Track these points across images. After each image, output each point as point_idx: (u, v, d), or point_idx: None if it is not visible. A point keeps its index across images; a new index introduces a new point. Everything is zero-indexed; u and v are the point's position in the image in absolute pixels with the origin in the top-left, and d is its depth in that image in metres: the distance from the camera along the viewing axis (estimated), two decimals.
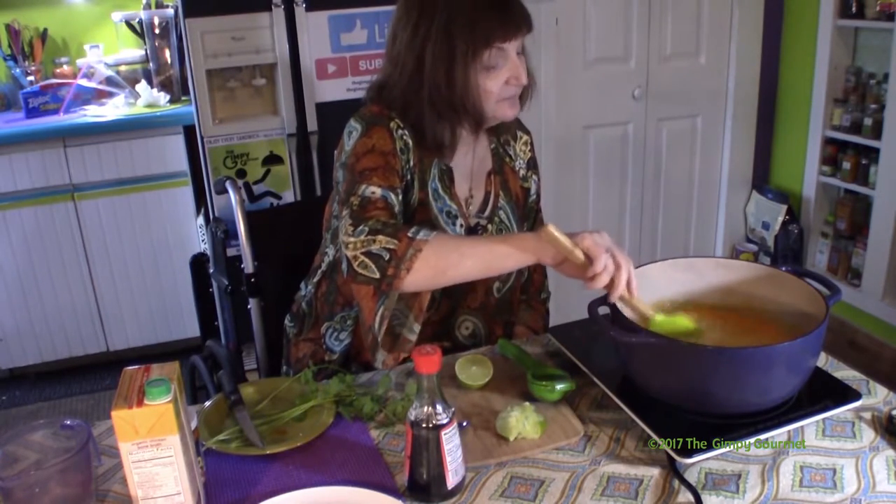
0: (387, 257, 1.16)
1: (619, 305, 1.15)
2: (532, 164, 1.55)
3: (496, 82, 1.30)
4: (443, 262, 1.17)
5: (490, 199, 1.45)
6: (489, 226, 1.44)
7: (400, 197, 1.29)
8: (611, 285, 1.12)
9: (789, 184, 3.24)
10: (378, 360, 1.30)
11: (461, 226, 1.40)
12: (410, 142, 1.33)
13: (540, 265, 1.60)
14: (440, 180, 1.38)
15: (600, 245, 1.12)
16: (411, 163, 1.33)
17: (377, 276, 1.17)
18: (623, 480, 1.01)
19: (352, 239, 1.19)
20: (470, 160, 1.43)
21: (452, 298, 1.41)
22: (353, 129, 1.32)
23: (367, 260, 1.18)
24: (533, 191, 1.55)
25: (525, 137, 1.54)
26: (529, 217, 1.56)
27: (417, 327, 1.28)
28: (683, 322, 1.17)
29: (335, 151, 1.38)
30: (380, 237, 1.17)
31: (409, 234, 1.17)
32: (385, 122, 1.31)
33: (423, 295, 1.26)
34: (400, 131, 1.32)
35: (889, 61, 2.67)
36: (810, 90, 3.03)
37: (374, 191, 1.24)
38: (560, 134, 3.01)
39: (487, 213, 1.44)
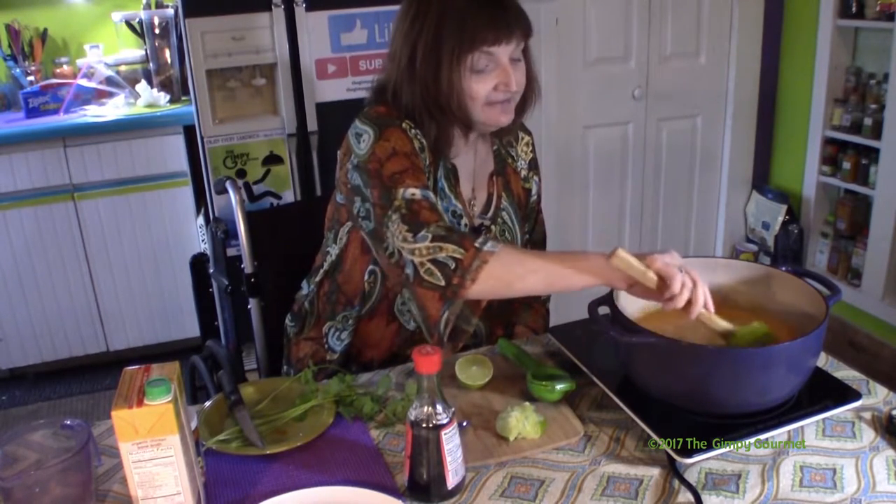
0: (453, 266, 1.16)
1: (622, 295, 1.14)
2: (533, 165, 1.55)
3: (483, 86, 1.28)
4: (508, 276, 1.16)
5: (493, 200, 1.45)
6: (493, 226, 1.44)
7: (434, 194, 1.28)
8: (689, 303, 1.09)
9: (789, 184, 3.24)
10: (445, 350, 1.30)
11: (465, 225, 1.39)
12: (424, 141, 1.32)
13: None
14: (446, 179, 1.38)
15: (672, 265, 1.09)
16: (427, 162, 1.33)
17: (443, 283, 1.17)
18: (623, 480, 1.01)
19: (417, 245, 1.19)
20: (472, 161, 1.43)
21: None
22: (364, 131, 1.30)
23: (432, 268, 1.18)
24: (534, 191, 1.55)
25: (526, 138, 1.54)
26: (530, 218, 1.56)
27: (475, 321, 1.28)
28: (762, 328, 1.14)
29: (339, 152, 1.37)
30: (447, 245, 1.17)
31: (477, 245, 1.16)
32: (396, 123, 1.30)
33: (482, 302, 1.26)
34: (413, 131, 1.31)
35: (889, 61, 2.67)
36: (810, 90, 3.03)
37: (414, 192, 1.23)
38: (560, 134, 3.01)
39: (490, 214, 1.44)
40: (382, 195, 1.25)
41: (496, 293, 1.21)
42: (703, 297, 1.09)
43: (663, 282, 1.08)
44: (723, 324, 1.13)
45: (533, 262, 1.18)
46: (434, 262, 1.18)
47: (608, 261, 1.09)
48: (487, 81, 1.28)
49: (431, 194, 1.26)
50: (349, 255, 1.40)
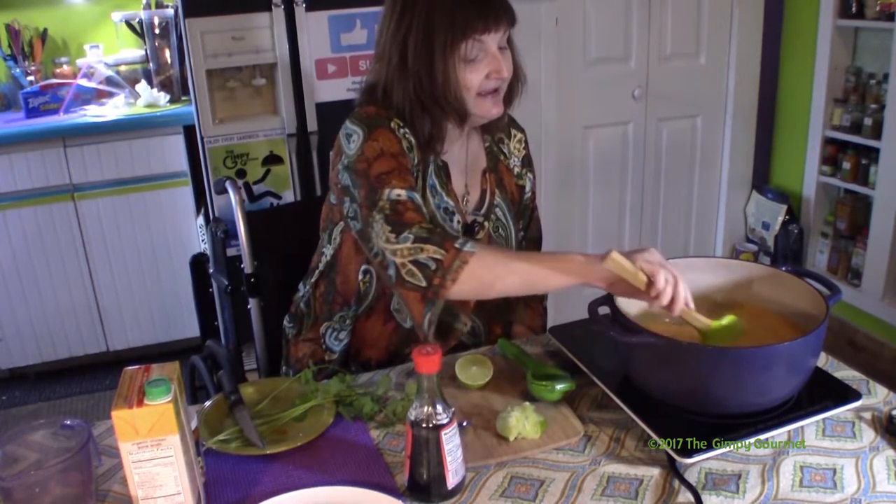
0: (433, 267, 1.17)
1: (622, 301, 1.15)
2: (527, 162, 1.55)
3: (476, 76, 1.29)
4: (489, 276, 1.17)
5: (486, 196, 1.45)
6: (486, 223, 1.44)
7: (420, 195, 1.29)
8: (672, 300, 1.10)
9: (789, 184, 3.24)
10: None
11: (458, 222, 1.40)
12: (413, 140, 1.33)
13: None
14: (437, 176, 1.38)
15: (655, 262, 1.10)
16: (416, 160, 1.33)
17: (424, 284, 1.18)
18: (623, 480, 1.01)
19: (398, 246, 1.19)
20: (464, 158, 1.43)
21: None
22: (353, 132, 1.31)
23: (414, 268, 1.18)
24: (528, 188, 1.55)
25: (519, 135, 1.54)
26: (524, 215, 1.56)
27: (467, 320, 1.29)
28: (734, 323, 1.15)
29: (331, 153, 1.38)
30: (427, 246, 1.18)
31: (457, 246, 1.17)
32: (385, 122, 1.31)
33: (469, 301, 1.27)
34: (402, 130, 1.32)
35: (889, 61, 2.67)
36: (810, 90, 3.03)
37: (399, 193, 1.24)
38: (560, 134, 3.01)
39: (484, 210, 1.44)
40: (369, 195, 1.25)
41: (477, 293, 1.22)
42: (684, 293, 1.10)
43: (648, 280, 1.10)
44: (703, 320, 1.14)
45: (513, 263, 1.19)
46: (415, 262, 1.18)
47: (600, 262, 1.10)
48: (479, 70, 1.29)
49: (417, 196, 1.26)
50: (343, 255, 1.41)
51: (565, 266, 1.15)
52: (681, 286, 1.10)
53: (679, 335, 1.15)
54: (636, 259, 1.10)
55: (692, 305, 1.13)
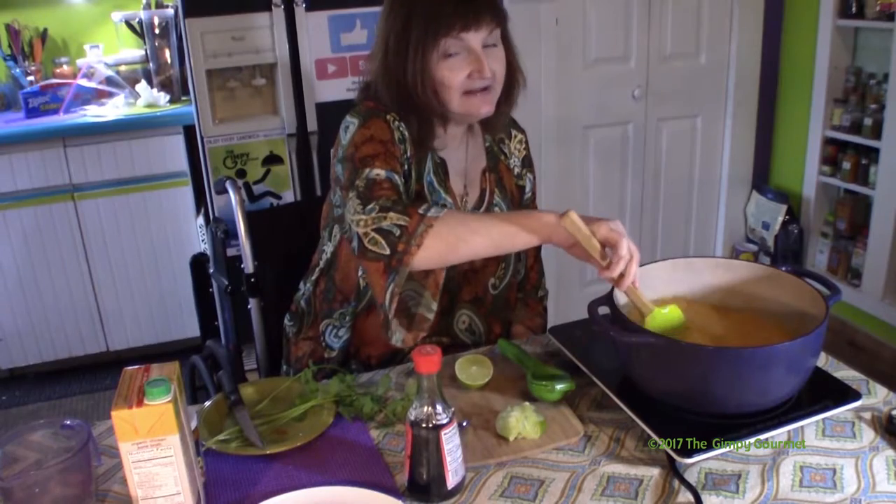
0: (397, 233, 1.16)
1: (621, 295, 1.16)
2: (527, 163, 1.55)
3: (456, 74, 1.28)
4: (453, 239, 1.17)
5: (486, 196, 1.45)
6: None
7: (403, 180, 1.29)
8: (622, 275, 1.12)
9: (789, 184, 3.24)
10: (395, 339, 1.27)
11: None
12: (406, 134, 1.33)
13: (537, 263, 1.60)
14: (435, 174, 1.38)
15: (617, 232, 1.13)
16: (408, 153, 1.34)
17: (387, 251, 1.17)
18: (623, 480, 1.01)
19: (362, 217, 1.19)
20: (464, 157, 1.44)
21: (450, 292, 1.41)
22: (350, 123, 1.33)
23: (377, 236, 1.17)
24: (528, 189, 1.55)
25: (519, 136, 1.54)
26: None
27: (434, 305, 1.26)
28: (675, 313, 1.18)
29: (332, 150, 1.39)
30: (391, 214, 1.17)
31: (420, 211, 1.17)
32: (381, 114, 1.32)
33: (437, 272, 1.25)
34: (397, 123, 1.32)
35: (889, 61, 2.67)
36: (810, 90, 3.03)
37: (379, 173, 1.24)
38: (560, 134, 3.01)
39: (483, 209, 1.44)
40: (350, 177, 1.26)
41: (443, 259, 1.20)
42: (635, 270, 1.13)
43: (604, 248, 1.12)
44: (647, 304, 1.16)
45: (477, 223, 1.18)
46: (378, 230, 1.17)
47: (559, 221, 1.12)
48: (460, 69, 1.28)
49: (397, 177, 1.26)
50: (343, 251, 1.41)
51: (530, 224, 1.16)
52: (634, 264, 1.12)
53: (672, 329, 1.15)
54: (598, 226, 1.12)
55: (638, 284, 1.15)
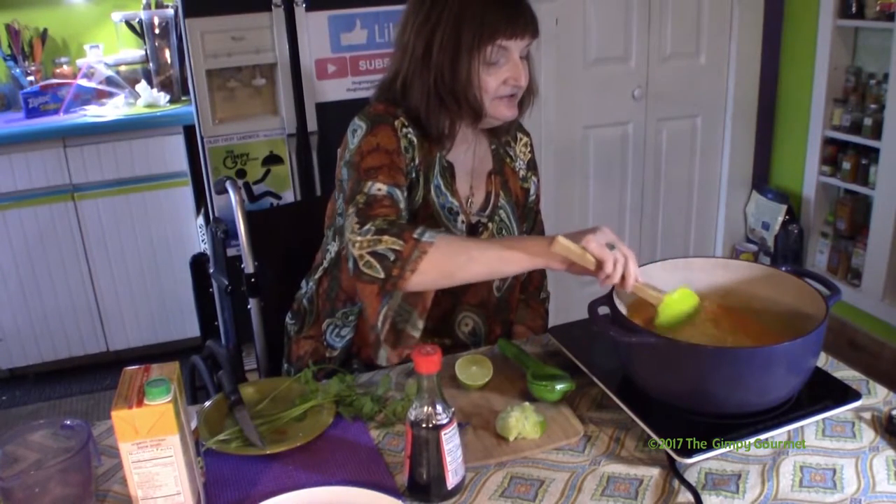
0: (392, 258, 1.17)
1: (628, 295, 1.16)
2: (532, 166, 1.56)
3: (495, 79, 1.31)
4: (449, 265, 1.18)
5: (491, 198, 1.46)
6: (490, 224, 1.44)
7: (405, 194, 1.30)
8: (623, 278, 1.14)
9: (789, 184, 3.24)
10: (381, 358, 1.30)
11: (462, 222, 1.40)
12: (415, 140, 1.33)
13: None
14: (442, 176, 1.38)
15: (602, 244, 1.14)
16: (416, 161, 1.34)
17: (382, 276, 1.18)
18: (623, 480, 1.01)
19: (358, 238, 1.20)
20: (471, 159, 1.44)
21: (453, 294, 1.41)
22: (358, 126, 1.33)
23: (372, 260, 1.18)
24: (532, 191, 1.55)
25: (525, 139, 1.55)
26: (528, 217, 1.56)
27: (421, 324, 1.28)
28: (688, 296, 1.18)
29: (339, 149, 1.39)
30: (385, 237, 1.18)
31: (415, 236, 1.17)
32: (390, 120, 1.32)
33: (426, 294, 1.27)
34: (405, 129, 1.33)
35: (889, 61, 2.67)
36: (810, 90, 3.03)
37: (380, 188, 1.25)
38: (560, 134, 3.01)
39: (488, 211, 1.45)
40: (353, 188, 1.27)
41: (437, 283, 1.22)
42: (634, 270, 1.15)
43: (598, 262, 1.14)
44: (656, 294, 1.17)
45: (474, 250, 1.19)
46: (373, 254, 1.18)
47: (549, 247, 1.14)
48: (499, 75, 1.31)
49: (399, 192, 1.27)
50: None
51: (526, 249, 1.17)
52: (631, 264, 1.14)
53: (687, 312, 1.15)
54: (587, 241, 1.14)
55: (641, 280, 1.16)
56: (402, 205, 1.28)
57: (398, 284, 1.18)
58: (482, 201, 1.45)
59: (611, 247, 1.15)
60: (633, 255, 1.16)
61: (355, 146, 1.31)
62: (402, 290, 1.20)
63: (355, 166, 1.29)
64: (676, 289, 1.18)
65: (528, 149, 1.56)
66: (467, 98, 1.31)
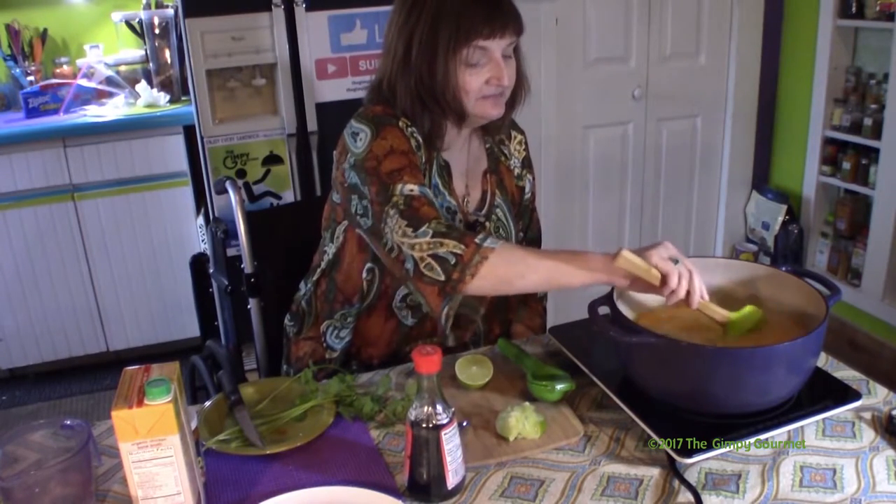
0: (452, 261, 1.17)
1: (626, 296, 1.17)
2: (527, 163, 1.55)
3: (477, 80, 1.29)
4: (509, 272, 1.18)
5: (487, 197, 1.46)
6: (487, 223, 1.44)
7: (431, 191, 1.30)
8: (688, 294, 1.13)
9: (789, 184, 3.24)
10: (448, 340, 1.42)
11: (460, 221, 1.40)
12: (420, 139, 1.33)
13: None
14: (439, 176, 1.38)
15: (667, 258, 1.13)
16: (423, 159, 1.34)
17: (442, 278, 1.18)
18: (623, 480, 1.01)
19: (417, 240, 1.20)
20: (465, 158, 1.44)
21: None
22: (360, 130, 1.31)
23: (433, 262, 1.18)
24: (527, 189, 1.55)
25: (519, 137, 1.54)
26: (524, 215, 1.56)
27: (482, 310, 1.32)
28: (755, 313, 1.17)
29: (335, 152, 1.38)
30: (447, 241, 1.18)
31: (477, 241, 1.17)
32: (393, 122, 1.31)
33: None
34: (410, 129, 1.32)
35: (889, 61, 2.67)
36: (810, 90, 3.03)
37: (412, 188, 1.24)
38: (560, 134, 3.01)
39: (485, 210, 1.45)
40: (380, 192, 1.25)
41: (495, 290, 1.23)
42: (700, 286, 1.13)
43: (662, 277, 1.12)
44: (720, 311, 1.15)
45: (533, 260, 1.19)
46: (434, 256, 1.18)
47: (613, 261, 1.12)
48: (480, 75, 1.29)
49: (429, 192, 1.27)
50: (347, 253, 1.41)
51: (587, 264, 1.16)
52: (696, 279, 1.13)
53: (691, 333, 1.15)
54: (650, 255, 1.12)
55: (707, 298, 1.15)
56: (436, 204, 1.27)
57: (458, 288, 1.18)
58: (478, 200, 1.45)
59: (674, 261, 1.13)
60: (698, 270, 1.14)
61: (365, 150, 1.29)
62: (461, 294, 1.20)
63: (373, 171, 1.27)
64: (745, 308, 1.16)
65: (523, 147, 1.55)
66: (447, 99, 1.30)
